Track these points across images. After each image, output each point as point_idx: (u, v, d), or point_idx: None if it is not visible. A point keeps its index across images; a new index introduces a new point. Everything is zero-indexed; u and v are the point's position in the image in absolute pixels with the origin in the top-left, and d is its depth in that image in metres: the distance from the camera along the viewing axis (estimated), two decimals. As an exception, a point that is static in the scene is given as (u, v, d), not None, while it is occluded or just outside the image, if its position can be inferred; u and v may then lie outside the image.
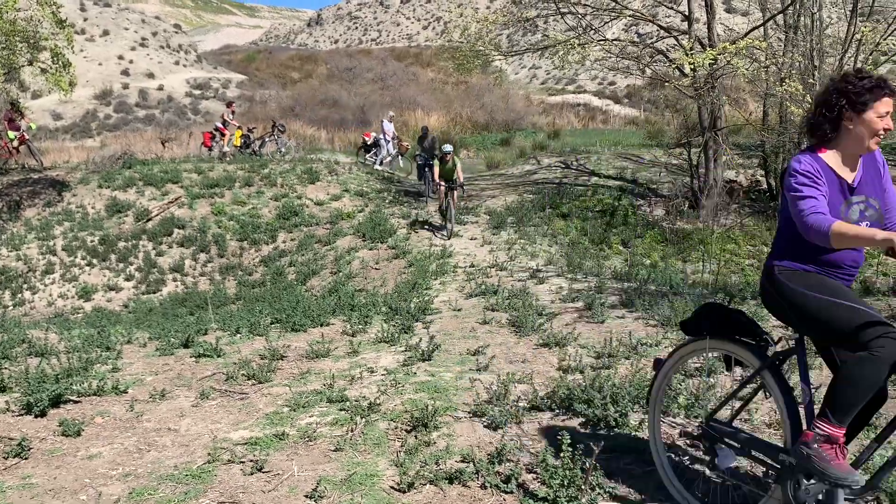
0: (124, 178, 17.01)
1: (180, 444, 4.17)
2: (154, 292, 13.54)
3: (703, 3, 15.09)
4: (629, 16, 15.62)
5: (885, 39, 11.62)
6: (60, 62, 14.54)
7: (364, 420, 4.32)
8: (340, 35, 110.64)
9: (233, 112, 21.47)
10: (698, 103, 15.51)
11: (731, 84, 15.43)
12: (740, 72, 11.66)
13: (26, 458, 3.94)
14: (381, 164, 21.04)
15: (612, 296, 8.03)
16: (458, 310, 8.03)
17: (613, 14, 16.06)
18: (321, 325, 7.36)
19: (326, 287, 12.73)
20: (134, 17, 62.34)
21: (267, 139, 20.42)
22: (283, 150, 20.03)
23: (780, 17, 15.57)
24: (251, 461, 3.82)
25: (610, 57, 15.88)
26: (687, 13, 15.08)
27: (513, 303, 7.75)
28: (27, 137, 18.54)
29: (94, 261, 14.21)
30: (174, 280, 14.01)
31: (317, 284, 13.14)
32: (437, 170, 14.24)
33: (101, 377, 5.16)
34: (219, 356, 6.05)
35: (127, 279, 13.85)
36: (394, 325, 7.08)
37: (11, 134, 18.05)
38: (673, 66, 15.35)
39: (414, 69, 64.08)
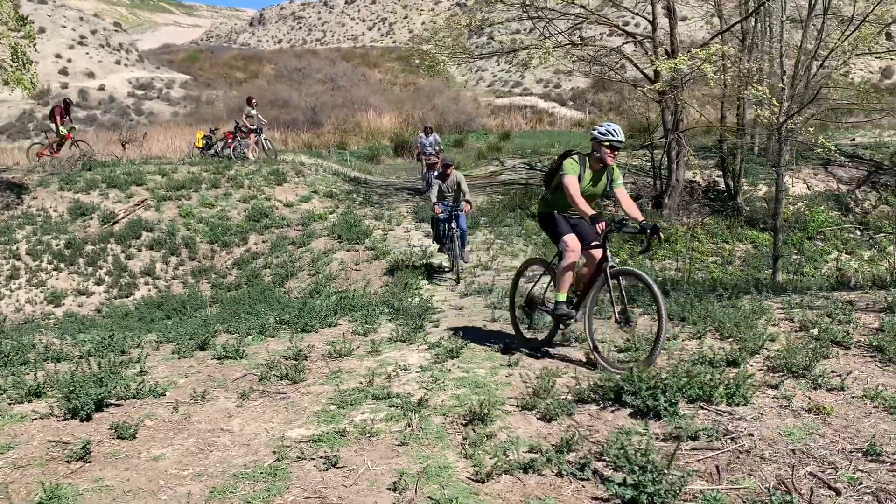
0: (86, 181, 16.59)
1: (240, 443, 4.21)
2: (127, 296, 13.28)
3: (666, 10, 15.61)
4: (595, 21, 16.03)
5: (844, 42, 12.25)
6: (22, 60, 14.09)
7: (417, 415, 4.44)
8: (284, 35, 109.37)
9: (255, 106, 20.40)
10: (662, 107, 16.02)
11: (691, 88, 15.96)
12: (709, 77, 12.13)
13: (89, 462, 3.93)
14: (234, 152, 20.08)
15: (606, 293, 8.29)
16: (460, 308, 8.19)
17: (581, 18, 16.45)
18: (329, 326, 7.41)
19: (306, 289, 12.73)
20: (71, 14, 60.42)
21: (230, 140, 20.15)
22: (244, 152, 19.79)
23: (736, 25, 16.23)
24: (322, 458, 3.90)
25: (577, 61, 16.22)
26: (651, 18, 15.56)
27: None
28: (72, 136, 19.20)
29: (62, 265, 13.84)
30: (146, 284, 13.77)
31: (295, 286, 13.11)
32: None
33: (137, 381, 5.13)
34: (241, 357, 6.06)
35: (97, 283, 13.54)
36: (403, 325, 7.19)
37: (63, 129, 18.78)
38: (639, 70, 15.81)
39: (362, 70, 63.91)
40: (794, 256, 15.41)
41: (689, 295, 7.19)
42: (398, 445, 4.06)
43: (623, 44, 16.94)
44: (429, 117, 48.19)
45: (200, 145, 20.16)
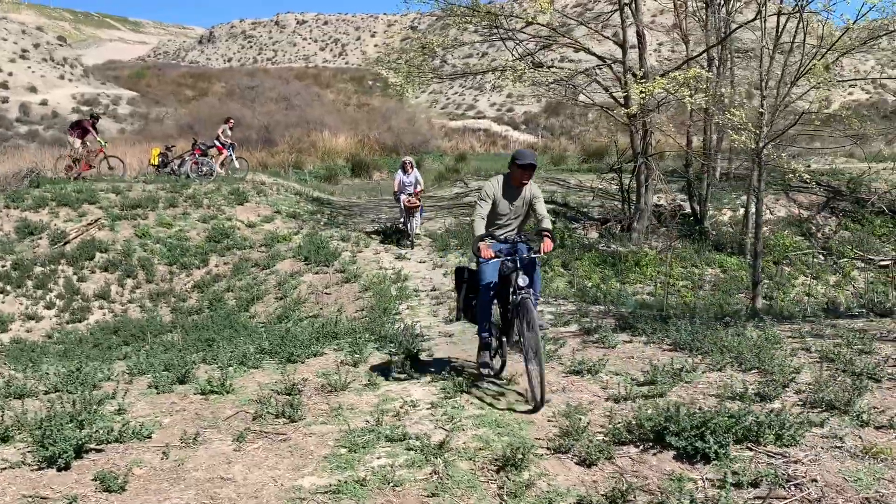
0: (34, 198, 15.69)
1: (248, 495, 3.73)
2: (79, 321, 12.48)
3: (637, 35, 15.64)
4: (566, 45, 15.97)
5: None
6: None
7: (441, 460, 4.03)
8: (234, 53, 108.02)
9: (231, 128, 20.96)
10: (631, 130, 16.00)
11: (660, 113, 16.01)
12: (686, 101, 12.10)
13: (74, 522, 3.42)
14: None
15: (604, 318, 8.03)
16: (450, 336, 7.80)
17: (550, 40, 16.38)
18: (315, 356, 6.93)
19: (274, 313, 12.17)
20: (13, 27, 58.44)
21: (187, 158, 19.43)
22: (204, 169, 19.11)
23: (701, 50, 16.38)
24: (347, 512, 3.47)
25: (543, 84, 16.09)
26: (622, 43, 15.57)
27: (509, 328, 7.59)
28: (104, 151, 19.37)
29: (8, 287, 12.96)
30: (100, 307, 12.98)
31: (262, 311, 12.53)
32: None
33: (118, 422, 4.59)
34: (228, 392, 5.55)
35: (47, 307, 12.70)
36: (392, 354, 6.78)
37: (100, 142, 19.11)
38: (609, 94, 15.78)
39: (315, 90, 63.28)
40: (765, 281, 15.47)
41: (694, 323, 6.94)
42: (428, 497, 3.65)
43: (593, 67, 16.92)
44: (385, 138, 47.94)
45: (156, 163, 19.40)
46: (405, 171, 15.40)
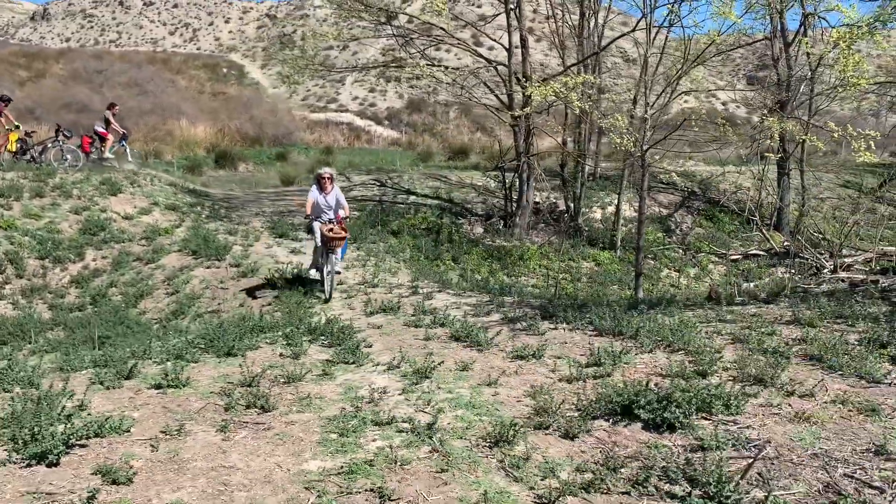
0: None
1: (259, 481, 3.80)
2: (-57, 320, 11.41)
3: (520, 40, 16.39)
4: (454, 45, 16.44)
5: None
6: None
7: (437, 440, 4.27)
8: (73, 33, 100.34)
9: (114, 114, 19.24)
10: (515, 131, 16.75)
11: (542, 116, 16.86)
12: (574, 104, 12.90)
13: (94, 516, 3.36)
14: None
15: (520, 308, 8.52)
16: (379, 327, 7.98)
17: (437, 39, 16.79)
18: (251, 349, 6.90)
19: (167, 309, 11.72)
20: None
21: (49, 145, 18.09)
22: (68, 157, 17.89)
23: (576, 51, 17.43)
24: (368, 490, 3.64)
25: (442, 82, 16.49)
26: (508, 47, 16.25)
27: (437, 318, 7.90)
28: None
29: None
30: (-35, 305, 11.93)
31: (151, 307, 12.02)
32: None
33: (95, 418, 4.45)
34: (185, 386, 5.46)
35: None
36: (331, 345, 6.91)
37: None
38: (496, 96, 16.42)
39: (168, 76, 60.18)
40: (633, 273, 16.72)
41: (613, 310, 7.57)
42: (439, 472, 3.89)
43: (479, 68, 17.51)
44: (247, 128, 46.53)
45: (14, 149, 17.89)
46: (321, 188, 10.48)
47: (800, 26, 19.42)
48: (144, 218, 15.61)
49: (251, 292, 11.59)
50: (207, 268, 12.93)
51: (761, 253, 18.28)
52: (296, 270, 11.86)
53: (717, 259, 18.21)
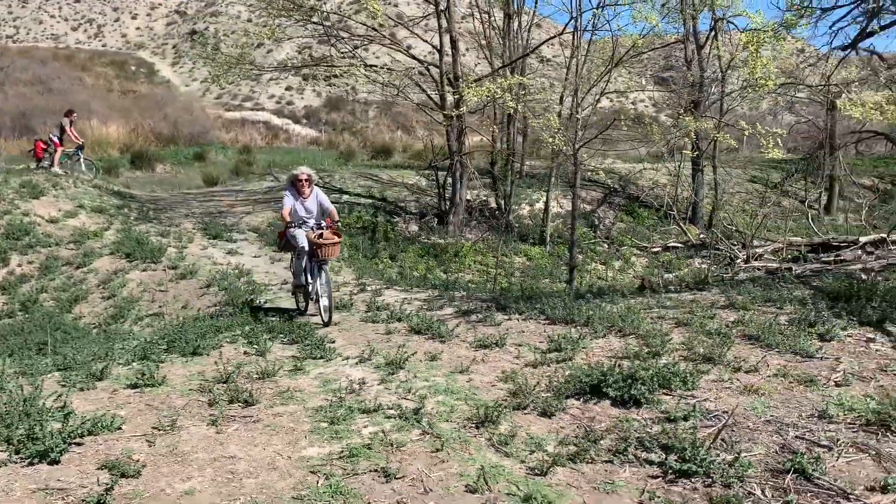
0: None
1: (264, 468, 3.97)
2: None
3: (450, 42, 16.74)
4: (385, 45, 16.64)
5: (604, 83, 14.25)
6: None
7: (426, 424, 4.53)
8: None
9: (72, 122, 18.32)
10: (447, 130, 17.10)
11: (483, 114, 17.27)
12: (508, 104, 13.34)
13: (112, 507, 3.47)
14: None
15: (471, 302, 8.85)
16: (336, 324, 8.14)
17: (368, 39, 16.94)
18: (214, 348, 6.96)
19: (104, 313, 11.48)
20: None
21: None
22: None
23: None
24: (373, 471, 3.87)
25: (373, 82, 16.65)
26: (439, 47, 16.57)
27: (393, 313, 8.14)
28: None
29: None
30: None
31: (88, 311, 11.75)
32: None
33: (85, 417, 4.49)
34: (161, 385, 5.52)
35: None
36: (293, 342, 7.07)
37: None
38: (427, 95, 16.71)
39: (75, 73, 57.74)
40: (563, 267, 17.35)
41: (563, 300, 7.99)
42: (435, 452, 4.15)
43: (410, 69, 17.76)
44: (161, 128, 45.25)
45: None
46: (299, 193, 8.58)
47: (710, 30, 20.55)
48: (71, 221, 15.16)
49: (193, 294, 11.50)
50: (143, 270, 12.71)
51: (679, 245, 19.27)
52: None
53: (638, 252, 19.08)
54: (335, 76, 15.91)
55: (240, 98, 74.75)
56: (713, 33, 20.27)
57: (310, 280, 8.52)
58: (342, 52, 16.34)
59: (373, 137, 54.13)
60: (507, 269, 16.90)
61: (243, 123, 62.60)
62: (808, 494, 3.55)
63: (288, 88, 75.10)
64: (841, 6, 8.91)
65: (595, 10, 14.51)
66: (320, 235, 8.35)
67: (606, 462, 4.00)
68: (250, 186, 21.63)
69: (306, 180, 8.59)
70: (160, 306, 11.42)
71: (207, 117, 56.78)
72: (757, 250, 16.79)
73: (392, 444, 4.23)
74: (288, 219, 8.47)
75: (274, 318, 8.49)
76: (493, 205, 19.68)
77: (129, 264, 13.02)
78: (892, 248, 15.11)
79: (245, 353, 6.80)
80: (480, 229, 18.52)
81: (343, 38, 16.50)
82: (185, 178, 28.64)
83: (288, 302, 9.98)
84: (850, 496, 3.50)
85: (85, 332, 10.75)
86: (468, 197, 19.39)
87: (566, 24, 13.99)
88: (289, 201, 8.58)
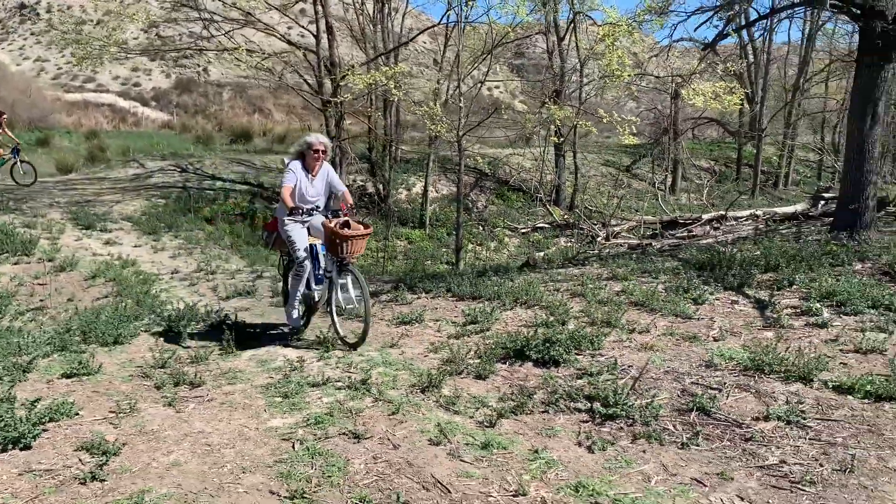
0: None
1: (237, 439, 4.26)
2: None
3: (327, 28, 16.88)
4: (261, 30, 16.52)
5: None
6: None
7: (376, 392, 4.97)
8: None
9: (2, 122, 16.35)
10: (325, 115, 17.26)
11: (369, 102, 17.54)
12: (393, 92, 13.75)
13: (104, 480, 3.68)
14: None
15: (380, 283, 9.27)
16: (247, 309, 8.31)
17: (241, 23, 16.72)
18: (133, 336, 6.98)
19: (-23, 310, 10.86)
20: None
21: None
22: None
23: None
24: (341, 434, 4.28)
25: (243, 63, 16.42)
26: (316, 34, 16.67)
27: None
28: None
29: None
30: None
31: (-45, 308, 11.06)
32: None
33: (47, 403, 4.55)
34: (97, 373, 5.57)
35: None
36: (209, 329, 7.22)
37: None
38: (306, 82, 16.78)
39: None
40: (443, 249, 18.06)
41: (468, 278, 8.59)
42: (392, 415, 4.60)
43: (283, 52, 17.67)
44: (-6, 110, 41.73)
45: None
46: (307, 169, 6.53)
47: (570, 23, 21.87)
48: (-84, 213, 14.03)
49: (78, 286, 11.12)
50: (15, 264, 12.06)
51: (546, 226, 20.50)
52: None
53: (510, 233, 20.13)
54: (175, 58, 15.53)
55: (80, 79, 69.77)
56: (572, 25, 21.57)
57: (315, 287, 6.68)
58: (212, 34, 16.03)
59: (229, 121, 52.52)
60: (390, 252, 17.38)
61: (86, 106, 58.90)
62: (710, 426, 4.33)
63: (134, 69, 70.86)
64: (706, 10, 9.99)
65: (469, 2, 15.18)
66: (345, 224, 6.25)
67: (543, 412, 4.62)
68: (114, 174, 20.67)
69: (323, 151, 6.54)
70: (41, 300, 10.92)
71: (46, 99, 52.86)
72: (615, 228, 18.25)
73: (351, 411, 4.64)
74: (290, 203, 6.21)
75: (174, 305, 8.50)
76: (372, 190, 20.03)
77: (-3, 258, 12.32)
78: (733, 222, 17.00)
79: (166, 341, 6.88)
80: (361, 214, 18.82)
81: (217, 20, 16.18)
82: (35, 165, 26.67)
83: (185, 291, 9.95)
84: (743, 425, 4.31)
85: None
86: (348, 183, 19.60)
87: (443, 15, 14.57)
88: (291, 177, 6.41)
